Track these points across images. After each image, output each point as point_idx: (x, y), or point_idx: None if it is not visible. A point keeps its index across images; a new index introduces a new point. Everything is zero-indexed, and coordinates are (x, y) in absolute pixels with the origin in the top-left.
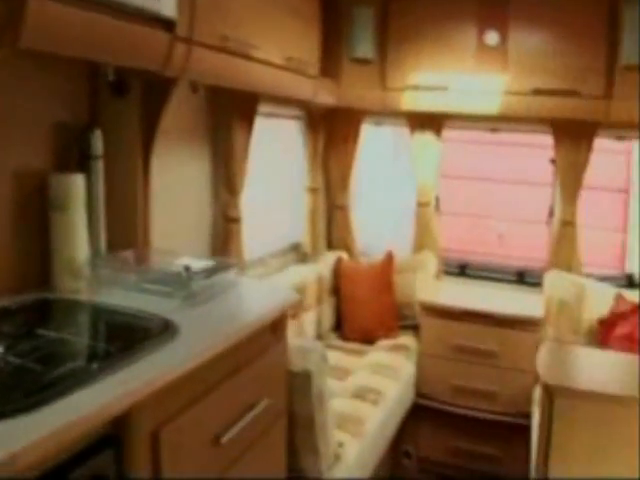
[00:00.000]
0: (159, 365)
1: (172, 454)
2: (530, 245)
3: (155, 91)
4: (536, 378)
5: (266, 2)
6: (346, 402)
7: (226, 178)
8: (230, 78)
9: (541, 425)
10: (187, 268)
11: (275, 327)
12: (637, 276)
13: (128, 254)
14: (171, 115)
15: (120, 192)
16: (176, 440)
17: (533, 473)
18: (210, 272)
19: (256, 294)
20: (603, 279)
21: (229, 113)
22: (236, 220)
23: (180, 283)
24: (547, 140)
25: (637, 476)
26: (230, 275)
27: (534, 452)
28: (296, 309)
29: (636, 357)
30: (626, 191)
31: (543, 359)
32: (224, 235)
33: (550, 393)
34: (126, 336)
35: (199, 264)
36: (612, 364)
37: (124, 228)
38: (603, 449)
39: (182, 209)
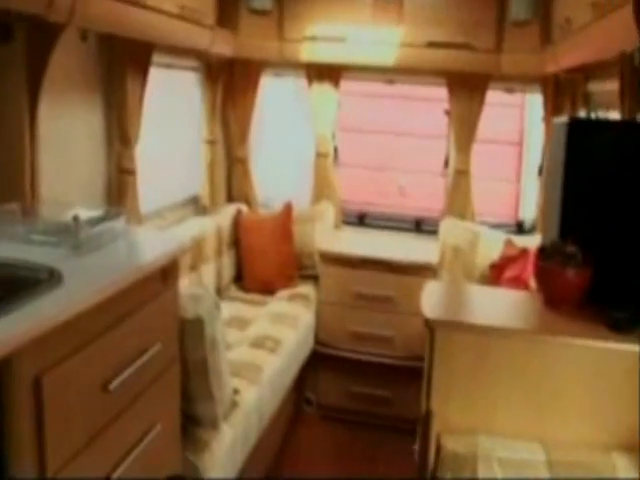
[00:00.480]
0: (41, 312)
1: (55, 400)
2: (428, 196)
3: (41, 38)
4: None
5: None
6: (244, 351)
7: (120, 129)
8: (121, 26)
9: (426, 360)
10: (75, 218)
11: (166, 274)
12: (527, 223)
13: (14, 206)
14: (59, 64)
15: (5, 142)
16: (60, 387)
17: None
18: (99, 220)
19: (147, 242)
20: (496, 226)
21: (122, 63)
22: (131, 172)
23: (68, 233)
24: (443, 93)
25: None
26: (120, 224)
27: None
28: (195, 261)
29: (519, 292)
30: (520, 144)
31: (426, 296)
32: (118, 187)
33: (431, 327)
34: (7, 286)
35: (89, 214)
36: (495, 299)
37: (9, 178)
38: (483, 381)
39: (74, 160)
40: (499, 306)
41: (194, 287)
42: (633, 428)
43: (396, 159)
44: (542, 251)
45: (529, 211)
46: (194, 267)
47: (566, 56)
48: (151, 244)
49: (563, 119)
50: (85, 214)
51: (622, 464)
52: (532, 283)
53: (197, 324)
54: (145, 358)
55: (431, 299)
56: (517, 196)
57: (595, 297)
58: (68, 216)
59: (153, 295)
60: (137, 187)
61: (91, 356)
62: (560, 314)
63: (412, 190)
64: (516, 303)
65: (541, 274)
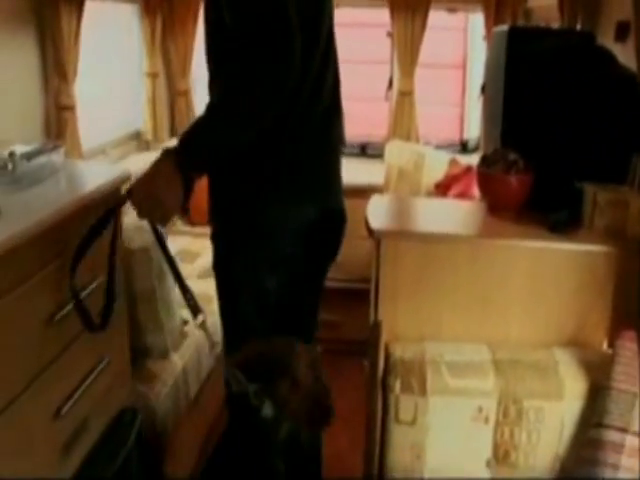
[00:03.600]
0: None
1: None
2: (373, 122)
3: None
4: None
5: None
6: (194, 283)
7: (56, 64)
8: None
9: (372, 271)
10: (11, 153)
11: (108, 204)
12: (471, 142)
13: None
14: None
15: None
16: (2, 322)
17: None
18: (36, 154)
19: (87, 174)
20: (440, 147)
21: None
22: (70, 108)
23: (4, 168)
24: (384, 18)
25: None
26: (59, 157)
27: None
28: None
29: (464, 202)
30: (463, 67)
31: (371, 209)
32: (58, 124)
33: (377, 237)
34: None
35: (26, 149)
36: (440, 209)
37: None
38: (429, 288)
39: (7, 97)
40: (444, 215)
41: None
42: (572, 324)
43: (343, 87)
44: (484, 159)
45: (473, 131)
46: None
47: None
48: (92, 176)
49: (503, 27)
50: (22, 149)
51: (563, 359)
52: (474, 195)
53: (144, 253)
54: (89, 290)
55: (376, 211)
56: (461, 118)
57: (536, 203)
58: (4, 153)
59: None
60: (77, 123)
61: (33, 290)
62: (503, 219)
63: (357, 116)
64: (460, 212)
65: (483, 181)
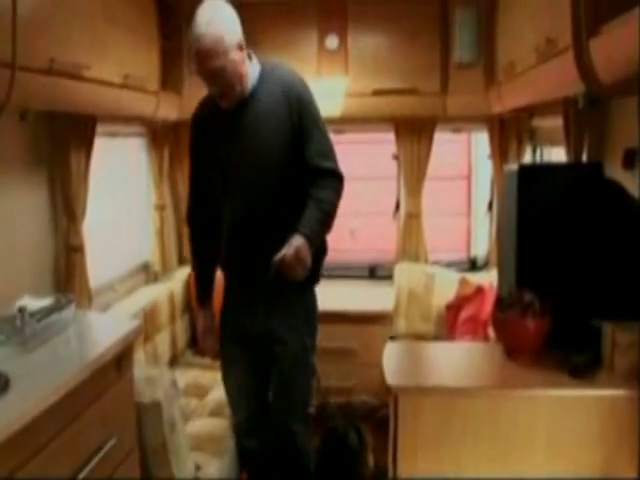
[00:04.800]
0: None
1: None
2: (381, 237)
3: None
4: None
5: (98, 19)
6: (204, 421)
7: (65, 204)
8: (61, 102)
9: (390, 426)
10: (21, 310)
11: (119, 361)
12: (479, 259)
13: None
14: None
15: None
16: None
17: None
18: (47, 312)
19: (97, 329)
20: (449, 265)
21: (64, 137)
22: (78, 248)
23: (13, 328)
24: (390, 135)
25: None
26: (69, 312)
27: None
28: (148, 332)
29: (479, 345)
30: (468, 177)
31: (386, 359)
32: (66, 265)
33: (394, 394)
34: None
35: (36, 304)
36: (455, 355)
37: None
38: (450, 439)
39: (18, 240)
40: (460, 362)
41: (149, 367)
42: (595, 468)
43: (345, 203)
44: (500, 301)
45: (481, 246)
46: (148, 338)
47: (511, 98)
48: (103, 331)
49: (513, 167)
50: (33, 304)
51: None
52: (487, 320)
53: (155, 409)
54: (103, 453)
55: (391, 363)
56: (468, 229)
57: (554, 342)
58: (14, 307)
59: (107, 385)
60: (85, 264)
61: (47, 460)
62: (521, 364)
63: (364, 233)
64: (477, 357)
65: (500, 325)
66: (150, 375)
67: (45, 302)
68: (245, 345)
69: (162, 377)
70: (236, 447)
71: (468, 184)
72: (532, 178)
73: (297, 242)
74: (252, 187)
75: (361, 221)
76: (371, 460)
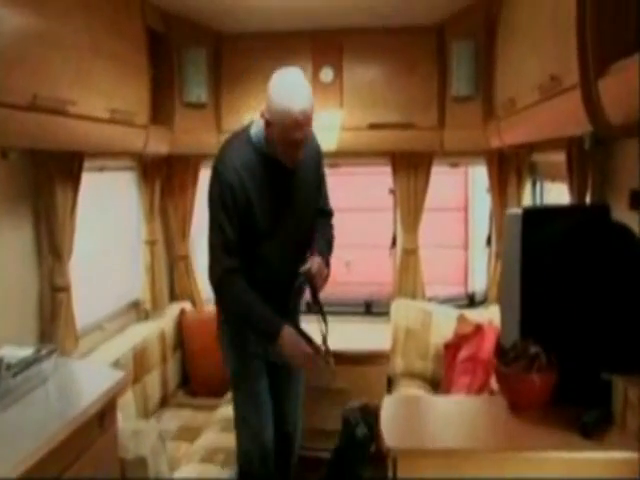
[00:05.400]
0: None
1: None
2: (377, 270)
3: None
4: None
5: (84, 52)
6: (195, 468)
7: (50, 244)
8: (45, 139)
9: None
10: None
11: (102, 416)
12: (477, 294)
13: None
14: None
15: None
16: None
17: None
18: (25, 365)
19: (79, 382)
20: (446, 301)
21: (49, 174)
22: (64, 289)
23: None
24: (385, 168)
25: None
26: (50, 363)
27: None
28: (138, 373)
29: (481, 398)
30: (465, 209)
31: (384, 417)
32: (52, 306)
33: (393, 456)
34: None
35: (16, 354)
36: (457, 410)
37: None
38: None
39: (1, 282)
40: (462, 419)
41: (135, 421)
42: None
43: (340, 236)
44: (503, 354)
45: (479, 280)
46: (137, 379)
47: (510, 133)
48: (86, 384)
49: (517, 211)
50: (12, 355)
51: None
52: (486, 360)
53: (139, 465)
54: None
55: (389, 422)
56: (465, 262)
57: (561, 396)
58: None
59: (89, 444)
60: (72, 304)
61: None
62: (526, 421)
63: (360, 265)
64: (480, 412)
65: (504, 380)
66: (136, 429)
67: (26, 352)
68: (266, 363)
69: (148, 430)
70: None
71: (465, 216)
72: (536, 222)
73: (317, 259)
74: (295, 229)
75: (356, 254)
76: None
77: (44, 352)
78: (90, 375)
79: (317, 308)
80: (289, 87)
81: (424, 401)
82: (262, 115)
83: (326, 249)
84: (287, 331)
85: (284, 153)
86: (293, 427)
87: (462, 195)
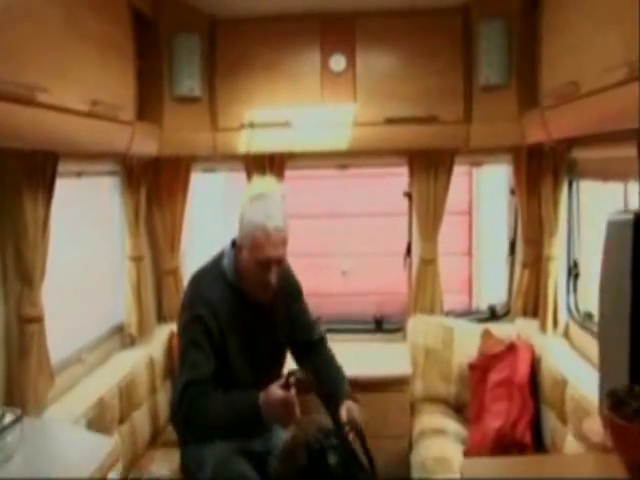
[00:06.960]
0: None
1: None
2: (383, 280)
3: None
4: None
5: (58, 28)
6: None
7: (18, 266)
8: (7, 134)
9: None
10: None
11: None
12: (498, 307)
13: None
14: None
15: None
16: None
17: None
18: None
19: (56, 458)
20: (465, 314)
21: (16, 181)
22: (36, 319)
23: None
24: (399, 169)
25: None
26: (15, 435)
27: None
28: (124, 410)
29: (583, 456)
30: (469, 213)
31: None
32: (21, 341)
33: None
34: None
35: None
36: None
37: None
38: None
39: None
40: None
41: None
42: None
43: (343, 243)
44: (616, 402)
45: (489, 289)
46: (124, 419)
47: (562, 124)
48: (63, 460)
49: (623, 216)
50: None
51: None
52: (524, 384)
53: None
54: None
55: None
56: (469, 268)
57: None
58: None
59: None
60: (45, 336)
61: None
62: None
63: (362, 275)
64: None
65: (620, 433)
66: None
67: None
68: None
69: None
70: None
71: (469, 220)
72: None
73: (349, 403)
74: (269, 358)
75: (358, 263)
76: None
77: (7, 420)
78: (69, 445)
79: (367, 459)
80: (262, 204)
81: (510, 464)
82: (233, 243)
83: (347, 387)
84: (263, 393)
85: (256, 281)
86: None
87: (465, 198)
